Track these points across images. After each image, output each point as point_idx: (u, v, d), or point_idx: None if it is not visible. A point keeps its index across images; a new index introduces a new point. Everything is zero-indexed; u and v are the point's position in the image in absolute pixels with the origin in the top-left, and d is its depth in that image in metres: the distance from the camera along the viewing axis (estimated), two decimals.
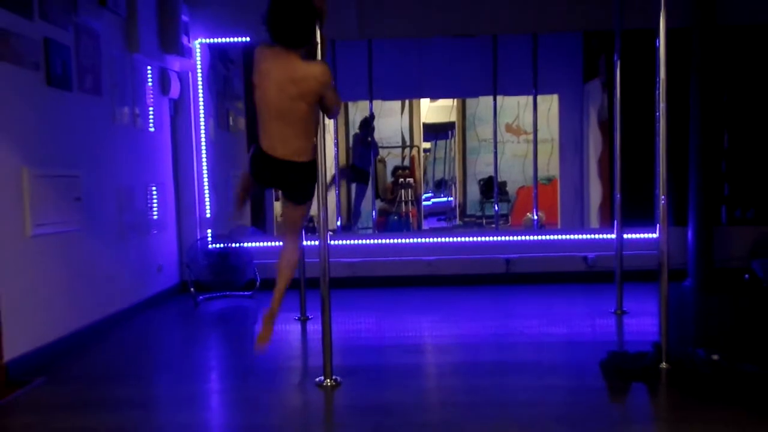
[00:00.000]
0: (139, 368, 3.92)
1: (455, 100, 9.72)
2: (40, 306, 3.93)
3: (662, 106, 3.53)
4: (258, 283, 5.89)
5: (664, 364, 3.44)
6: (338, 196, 7.70)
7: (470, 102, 9.68)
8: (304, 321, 4.87)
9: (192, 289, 5.71)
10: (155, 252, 5.67)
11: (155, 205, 5.62)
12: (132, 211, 5.20)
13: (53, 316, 4.07)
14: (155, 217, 5.63)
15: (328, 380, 3.37)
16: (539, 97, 6.88)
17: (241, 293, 5.85)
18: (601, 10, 5.61)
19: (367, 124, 7.86)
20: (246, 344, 4.45)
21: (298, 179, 3.33)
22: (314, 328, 4.53)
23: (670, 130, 3.56)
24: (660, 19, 3.50)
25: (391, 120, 9.53)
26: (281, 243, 3.61)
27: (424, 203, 9.73)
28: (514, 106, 9.39)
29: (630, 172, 5.19)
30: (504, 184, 9.23)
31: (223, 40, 6.17)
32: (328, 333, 3.37)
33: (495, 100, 7.05)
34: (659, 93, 3.53)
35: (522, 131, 9.59)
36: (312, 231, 6.48)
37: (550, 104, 7.92)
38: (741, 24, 6.00)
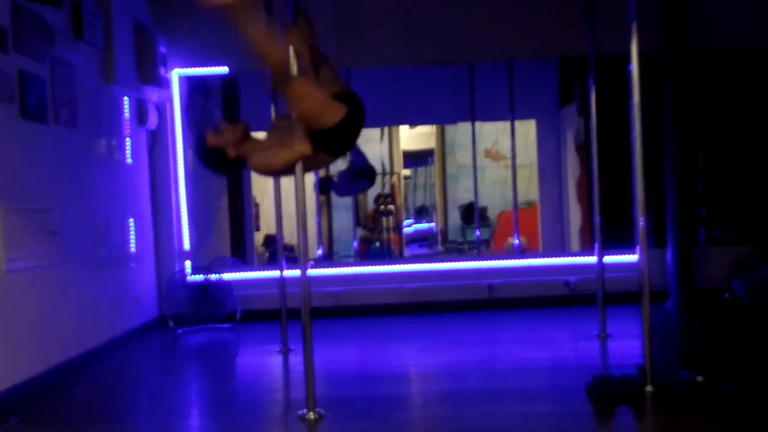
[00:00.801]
0: (117, 406, 3.82)
1: (434, 126, 9.80)
2: (14, 343, 3.82)
3: (637, 129, 3.57)
4: (238, 316, 5.81)
5: (649, 387, 3.42)
6: (319, 224, 7.67)
7: (449, 128, 9.76)
8: (285, 353, 4.79)
9: (171, 322, 5.61)
10: (133, 285, 5.57)
11: (133, 237, 5.54)
12: (109, 243, 5.12)
13: (27, 353, 3.96)
14: (133, 249, 5.55)
15: (311, 413, 3.30)
16: (517, 123, 6.95)
17: (221, 326, 5.76)
18: (574, 36, 5.70)
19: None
20: (227, 378, 4.36)
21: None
22: (296, 359, 4.46)
23: (645, 153, 3.60)
24: (632, 45, 3.55)
25: (370, 147, 9.56)
26: None
27: (406, 230, 9.74)
28: (493, 132, 9.48)
29: (608, 194, 5.23)
30: (485, 209, 9.27)
31: (202, 70, 6.17)
32: (309, 364, 3.32)
33: (473, 126, 7.11)
34: (633, 116, 3.57)
35: (501, 156, 9.67)
36: (293, 261, 6.43)
37: (527, 129, 8.01)
38: (711, 48, 6.13)
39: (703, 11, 6.02)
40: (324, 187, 7.82)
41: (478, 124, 7.21)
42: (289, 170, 3.23)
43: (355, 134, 3.31)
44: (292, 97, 3.11)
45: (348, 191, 7.93)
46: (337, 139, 3.17)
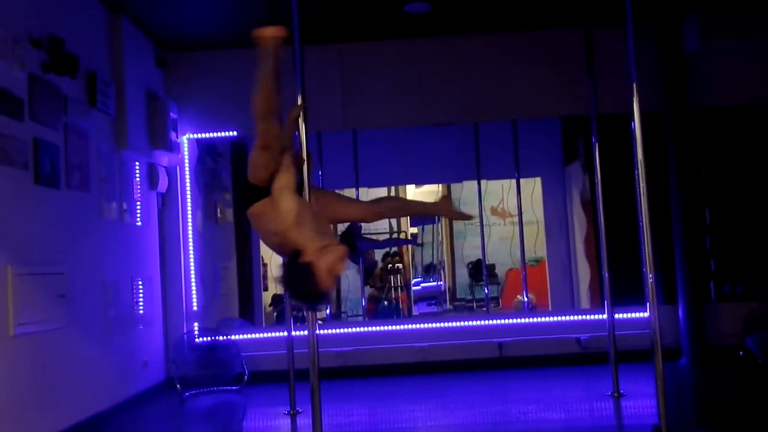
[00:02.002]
0: None
1: (440, 185, 9.87)
2: (22, 407, 3.79)
3: (642, 186, 3.61)
4: (246, 377, 5.74)
5: None
6: None
7: (455, 187, 9.82)
8: (294, 415, 4.72)
9: (178, 385, 5.55)
10: (140, 348, 5.54)
11: (141, 299, 5.55)
12: (117, 306, 5.13)
13: (35, 417, 3.92)
14: (141, 311, 5.55)
15: None
16: (522, 180, 7.01)
17: (229, 388, 5.69)
18: (576, 96, 5.82)
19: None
20: None
21: None
22: (305, 422, 4.38)
23: (652, 209, 3.62)
24: (634, 105, 3.63)
25: None
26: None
27: (414, 288, 9.69)
28: (499, 190, 9.54)
29: (616, 251, 5.22)
30: (493, 266, 9.24)
31: (211, 134, 6.30)
32: (318, 427, 3.27)
33: (479, 184, 7.17)
34: (638, 174, 3.61)
35: (507, 214, 9.69)
36: (300, 320, 6.39)
37: (533, 187, 8.06)
38: (711, 107, 6.22)
39: (703, 71, 6.15)
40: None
41: (483, 182, 7.27)
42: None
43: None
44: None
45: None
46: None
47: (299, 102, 3.47)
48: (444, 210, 3.86)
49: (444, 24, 5.95)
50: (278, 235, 2.87)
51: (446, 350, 6.13)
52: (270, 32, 2.89)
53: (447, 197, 3.45)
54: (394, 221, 9.77)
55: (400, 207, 3.81)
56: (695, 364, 5.73)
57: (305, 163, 3.30)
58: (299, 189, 3.17)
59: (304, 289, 2.78)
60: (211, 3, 5.17)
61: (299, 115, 3.41)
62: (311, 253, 2.72)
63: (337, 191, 3.83)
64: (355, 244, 7.22)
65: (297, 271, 2.76)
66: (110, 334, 4.99)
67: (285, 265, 2.87)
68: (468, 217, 3.75)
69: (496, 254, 9.44)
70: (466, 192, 9.69)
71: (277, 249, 3.04)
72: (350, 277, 8.93)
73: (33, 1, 4.19)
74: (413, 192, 10.11)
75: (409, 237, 9.90)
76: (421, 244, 9.89)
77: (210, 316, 6.33)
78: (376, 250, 9.29)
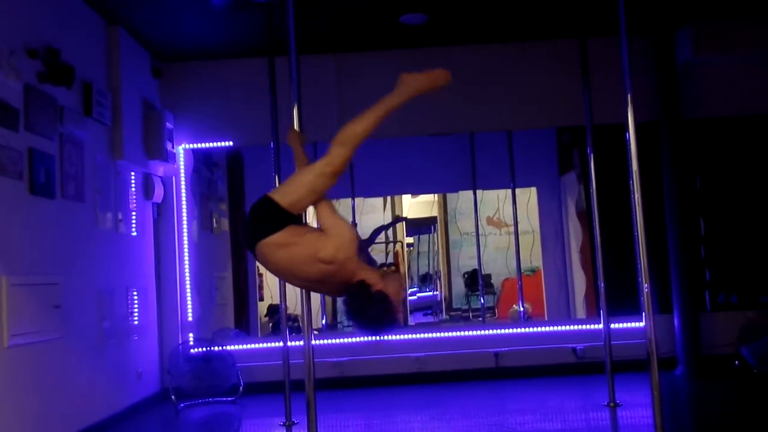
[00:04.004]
0: None
1: (436, 195, 9.89)
2: (15, 420, 3.76)
3: (637, 196, 3.62)
4: (241, 388, 5.72)
5: None
6: (322, 294, 7.64)
7: (451, 197, 9.85)
8: (289, 426, 4.69)
9: (173, 396, 5.52)
10: (135, 358, 5.51)
11: (136, 309, 5.52)
12: (112, 316, 5.10)
13: (28, 429, 3.88)
14: (136, 322, 5.52)
15: None
16: (518, 190, 7.04)
17: (224, 399, 5.66)
18: (571, 107, 5.84)
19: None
20: None
21: None
22: None
23: (647, 219, 3.63)
24: (628, 116, 3.65)
25: (373, 216, 9.63)
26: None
27: (410, 298, 9.68)
28: (494, 200, 9.57)
29: (612, 260, 5.23)
30: (489, 276, 9.24)
31: (207, 144, 6.30)
32: None
33: (475, 194, 7.19)
34: (633, 184, 3.63)
35: (503, 223, 9.72)
36: (296, 331, 6.37)
37: (528, 197, 8.08)
38: (705, 117, 6.26)
39: (697, 82, 6.19)
40: None
41: (479, 192, 7.29)
42: None
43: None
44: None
45: None
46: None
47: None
48: (410, 81, 3.22)
49: (439, 35, 5.97)
50: (326, 265, 2.73)
51: (442, 360, 6.12)
52: (442, 80, 3.05)
53: (405, 73, 3.11)
54: (389, 230, 9.77)
55: (353, 133, 3.05)
56: (691, 374, 5.74)
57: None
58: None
59: (381, 318, 2.75)
60: (208, 14, 5.18)
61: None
62: (377, 282, 2.69)
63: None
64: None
65: (371, 301, 2.72)
66: (105, 344, 4.96)
67: (351, 296, 2.79)
68: (443, 74, 3.27)
69: (492, 264, 9.45)
70: (461, 202, 9.73)
71: (309, 281, 2.88)
72: None
73: (29, 12, 4.20)
74: (409, 202, 10.13)
75: (405, 245, 9.90)
76: (406, 219, 9.69)
77: (205, 326, 6.31)
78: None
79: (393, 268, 2.96)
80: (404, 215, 9.91)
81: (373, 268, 2.77)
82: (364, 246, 3.06)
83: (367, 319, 2.81)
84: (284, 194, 2.85)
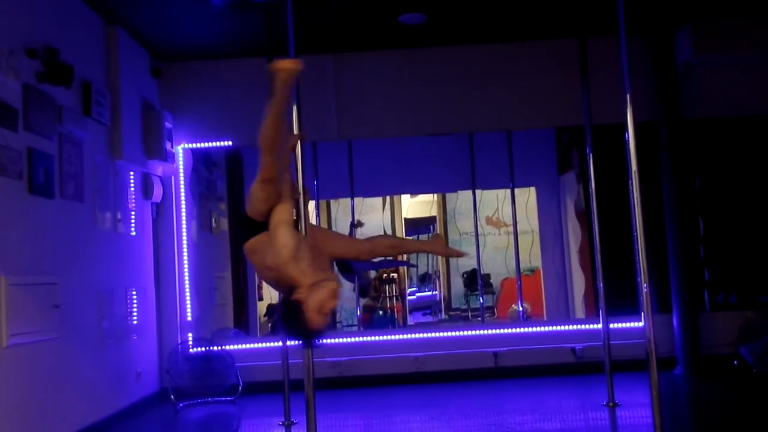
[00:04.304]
0: None
1: (435, 195, 9.89)
2: (14, 420, 3.76)
3: (636, 196, 3.62)
4: (240, 388, 5.72)
5: None
6: None
7: (450, 196, 9.86)
8: (288, 426, 4.70)
9: (172, 396, 5.52)
10: (134, 358, 5.51)
11: (135, 309, 5.52)
12: (111, 316, 5.10)
13: (27, 429, 3.89)
14: (135, 321, 5.52)
15: None
16: (517, 190, 7.03)
17: (223, 398, 5.67)
18: (570, 106, 5.85)
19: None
20: None
21: None
22: None
23: (646, 219, 3.63)
24: (627, 116, 3.65)
25: (373, 216, 9.64)
26: None
27: (409, 298, 9.68)
28: (493, 199, 9.57)
29: (611, 260, 5.23)
30: (488, 276, 9.25)
31: (206, 144, 6.29)
32: None
33: (474, 194, 7.19)
34: (632, 183, 3.63)
35: (502, 223, 9.72)
36: None
37: (528, 196, 8.09)
38: (704, 117, 6.26)
39: (696, 82, 6.19)
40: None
41: (478, 191, 7.30)
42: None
43: None
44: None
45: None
46: None
47: (295, 131, 3.44)
48: (438, 248, 3.95)
49: (439, 35, 5.97)
50: (273, 270, 2.80)
51: (441, 360, 6.12)
52: (288, 64, 2.82)
53: (439, 235, 3.42)
54: (389, 230, 9.77)
55: (393, 245, 3.62)
56: (690, 374, 5.74)
57: (302, 197, 3.27)
58: (296, 223, 3.12)
59: (295, 326, 2.74)
60: (207, 14, 5.18)
61: (296, 145, 3.40)
62: (303, 290, 2.69)
63: (332, 229, 3.78)
64: (350, 265, 7.24)
65: (289, 309, 2.73)
66: (104, 344, 4.96)
67: (281, 302, 2.84)
68: (461, 254, 3.69)
69: (491, 264, 9.46)
70: (461, 201, 9.73)
71: (274, 284, 2.99)
72: (345, 286, 8.91)
73: (28, 12, 4.20)
74: (408, 202, 10.14)
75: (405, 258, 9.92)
76: (416, 266, 9.92)
77: (204, 326, 6.31)
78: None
79: (331, 282, 2.78)
80: (404, 215, 9.92)
81: (318, 275, 2.72)
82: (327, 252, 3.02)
83: (285, 326, 2.84)
84: (247, 203, 2.96)
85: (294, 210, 3.00)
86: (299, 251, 2.75)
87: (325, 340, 2.86)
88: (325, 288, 2.71)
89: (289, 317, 2.75)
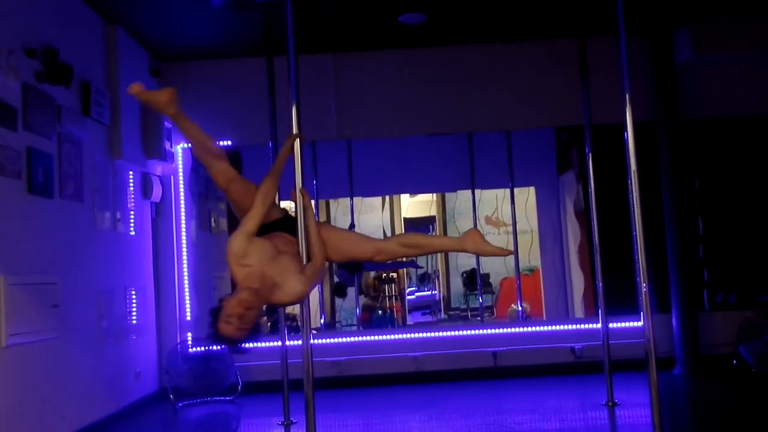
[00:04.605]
0: None
1: (435, 194, 9.89)
2: (14, 419, 3.76)
3: (635, 196, 3.62)
4: (240, 387, 5.72)
5: None
6: (321, 293, 7.65)
7: (449, 196, 9.85)
8: (287, 425, 4.70)
9: (171, 396, 5.52)
10: (133, 358, 5.51)
11: (134, 309, 5.52)
12: (110, 316, 5.10)
13: (26, 429, 3.88)
14: (134, 321, 5.52)
15: None
16: (516, 190, 7.03)
17: (223, 398, 5.66)
18: (570, 106, 5.85)
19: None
20: None
21: None
22: None
23: (645, 219, 3.63)
24: (627, 115, 3.65)
25: (372, 216, 9.64)
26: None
27: (408, 297, 9.68)
28: (493, 199, 9.57)
29: (610, 260, 5.24)
30: (487, 275, 9.24)
31: None
32: None
33: (473, 193, 7.19)
34: (631, 183, 3.63)
35: (501, 223, 9.72)
36: (295, 330, 6.38)
37: (527, 196, 8.09)
38: (703, 117, 6.26)
39: (696, 82, 6.19)
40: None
41: (478, 191, 7.30)
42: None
43: None
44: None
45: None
46: None
47: (294, 130, 3.44)
48: (476, 246, 3.13)
49: (438, 35, 5.97)
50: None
51: (441, 360, 6.12)
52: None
53: (477, 231, 3.05)
54: (388, 230, 9.77)
55: (414, 243, 3.23)
56: (689, 373, 5.74)
57: (302, 199, 3.25)
58: (292, 226, 3.18)
59: (210, 329, 2.78)
60: (207, 13, 5.17)
61: (293, 145, 3.39)
62: (233, 296, 2.73)
63: (346, 229, 3.75)
64: (359, 265, 7.24)
65: (211, 311, 2.78)
66: (103, 344, 4.96)
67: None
68: (508, 252, 3.26)
69: (491, 263, 9.44)
70: (460, 201, 9.73)
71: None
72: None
73: (27, 11, 4.20)
74: (407, 201, 10.13)
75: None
76: (423, 267, 9.91)
77: (204, 325, 6.29)
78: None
79: (243, 291, 2.71)
80: (403, 214, 9.92)
81: (250, 283, 2.77)
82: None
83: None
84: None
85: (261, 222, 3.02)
86: (245, 258, 2.82)
87: (250, 345, 2.85)
88: (234, 295, 2.74)
89: (210, 319, 2.78)
